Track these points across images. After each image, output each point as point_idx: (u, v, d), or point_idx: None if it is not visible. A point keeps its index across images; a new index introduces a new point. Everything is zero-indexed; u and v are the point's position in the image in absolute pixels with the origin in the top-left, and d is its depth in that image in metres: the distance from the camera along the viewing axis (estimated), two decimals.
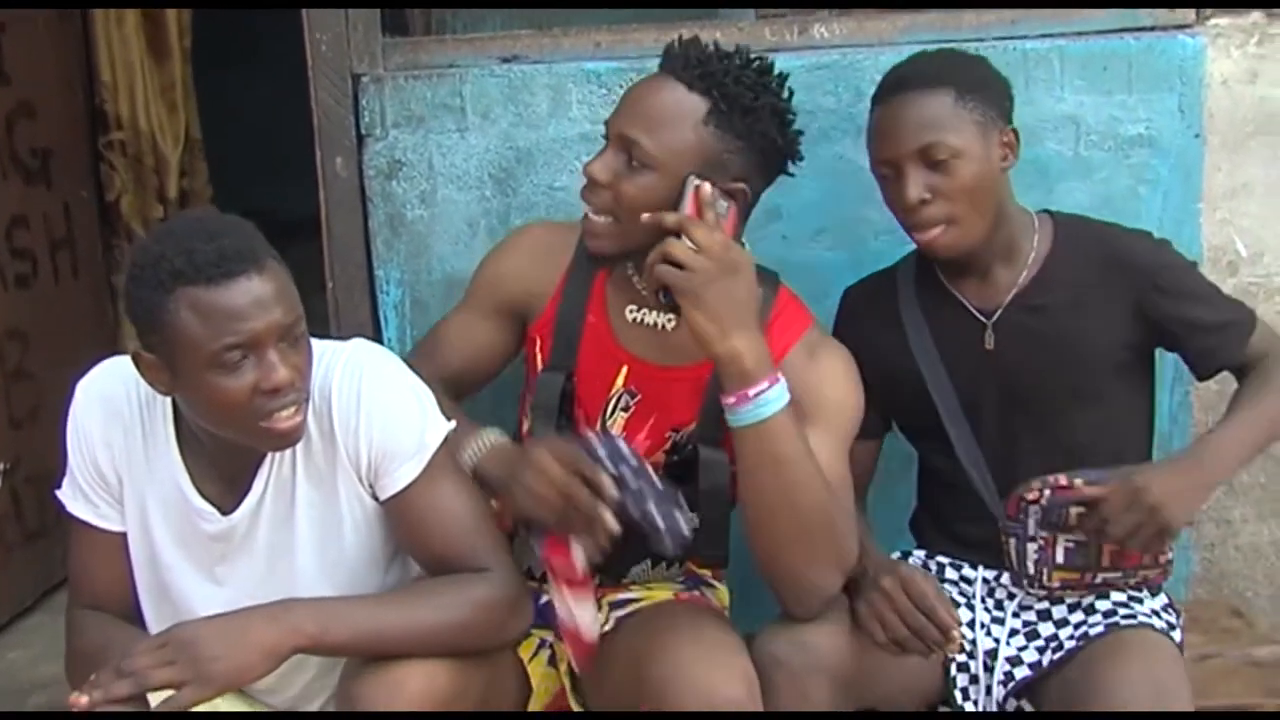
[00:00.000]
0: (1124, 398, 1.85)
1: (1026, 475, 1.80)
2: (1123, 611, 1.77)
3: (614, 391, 1.80)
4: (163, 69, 3.55)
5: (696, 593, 1.88)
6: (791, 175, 1.77)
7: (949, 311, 1.85)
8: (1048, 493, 1.74)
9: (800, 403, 1.66)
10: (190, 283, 1.43)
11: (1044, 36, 2.13)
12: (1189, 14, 2.15)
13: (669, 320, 1.76)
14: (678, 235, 1.59)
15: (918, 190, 1.73)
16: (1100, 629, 1.75)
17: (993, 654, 1.79)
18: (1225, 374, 1.83)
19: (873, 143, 1.80)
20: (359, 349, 1.64)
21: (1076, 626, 1.78)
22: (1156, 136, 2.13)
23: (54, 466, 1.69)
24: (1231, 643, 2.07)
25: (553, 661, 1.81)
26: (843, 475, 1.71)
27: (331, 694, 1.68)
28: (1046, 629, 1.80)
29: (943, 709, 1.82)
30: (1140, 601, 1.79)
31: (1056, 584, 1.78)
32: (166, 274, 1.43)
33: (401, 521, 1.63)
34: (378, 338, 2.19)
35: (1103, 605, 1.79)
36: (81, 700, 1.40)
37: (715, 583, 1.92)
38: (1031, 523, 1.76)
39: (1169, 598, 1.85)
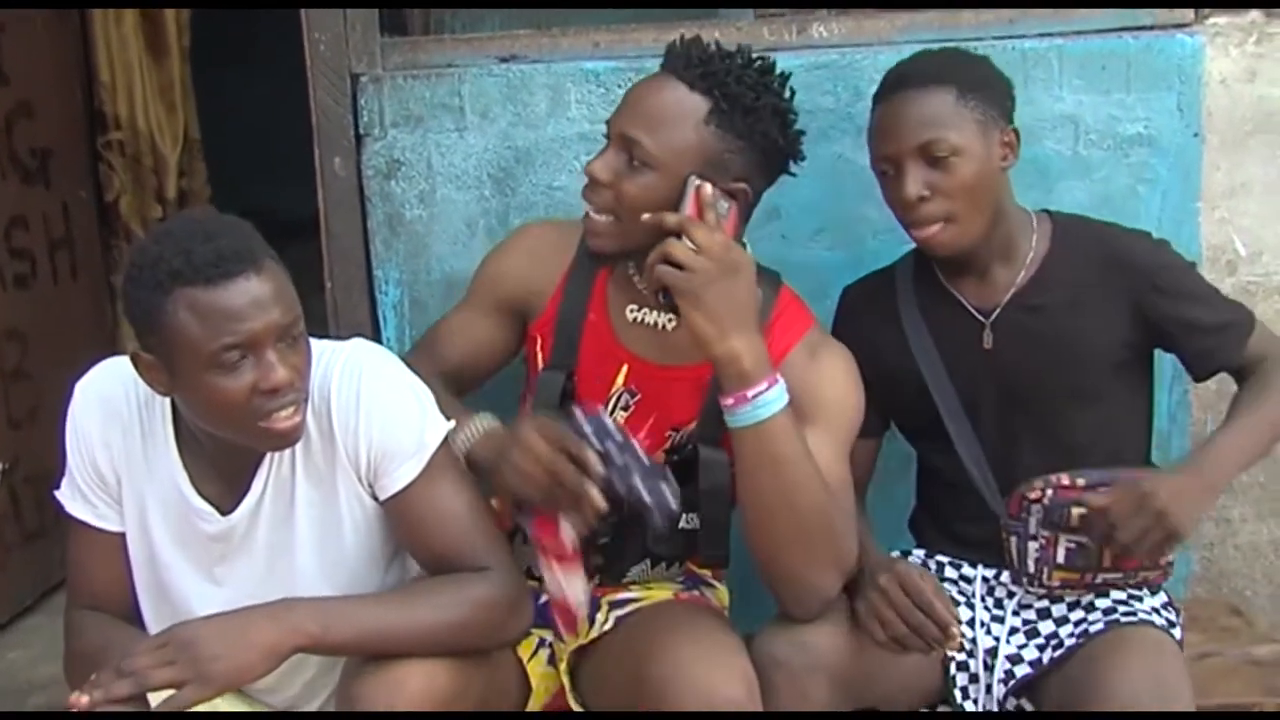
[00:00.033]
0: (1122, 397, 1.85)
1: (1025, 474, 1.80)
2: (1123, 609, 1.77)
3: (614, 390, 1.80)
4: (161, 69, 3.55)
5: (696, 593, 1.88)
6: (793, 175, 1.77)
7: (947, 310, 1.85)
8: (1050, 492, 1.75)
9: (801, 403, 1.66)
10: (188, 283, 1.43)
11: (1043, 36, 2.13)
12: (1188, 13, 2.15)
13: (669, 320, 1.76)
14: (678, 236, 1.59)
15: (917, 187, 1.73)
16: (1100, 626, 1.75)
17: (992, 652, 1.79)
18: (1224, 374, 1.83)
19: (874, 139, 1.80)
20: (358, 349, 1.64)
21: (1077, 624, 1.78)
22: (1155, 136, 2.13)
23: (53, 467, 1.69)
24: (1231, 641, 2.07)
25: (552, 661, 1.81)
26: (842, 476, 1.71)
27: (331, 693, 1.68)
28: (1046, 627, 1.80)
29: (943, 708, 1.82)
30: (1140, 599, 1.80)
31: (1056, 583, 1.78)
32: (165, 275, 1.43)
33: (401, 521, 1.63)
34: (376, 337, 2.19)
35: (1103, 603, 1.79)
36: (82, 700, 1.40)
37: (715, 583, 1.93)
38: (1033, 521, 1.76)
39: (1169, 596, 1.85)
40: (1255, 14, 2.16)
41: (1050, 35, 2.13)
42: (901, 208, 1.77)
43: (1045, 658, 1.76)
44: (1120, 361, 1.82)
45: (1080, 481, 1.75)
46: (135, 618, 1.68)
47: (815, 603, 1.67)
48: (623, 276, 1.80)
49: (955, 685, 1.79)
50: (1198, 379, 1.87)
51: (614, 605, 1.79)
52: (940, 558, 1.92)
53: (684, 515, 1.81)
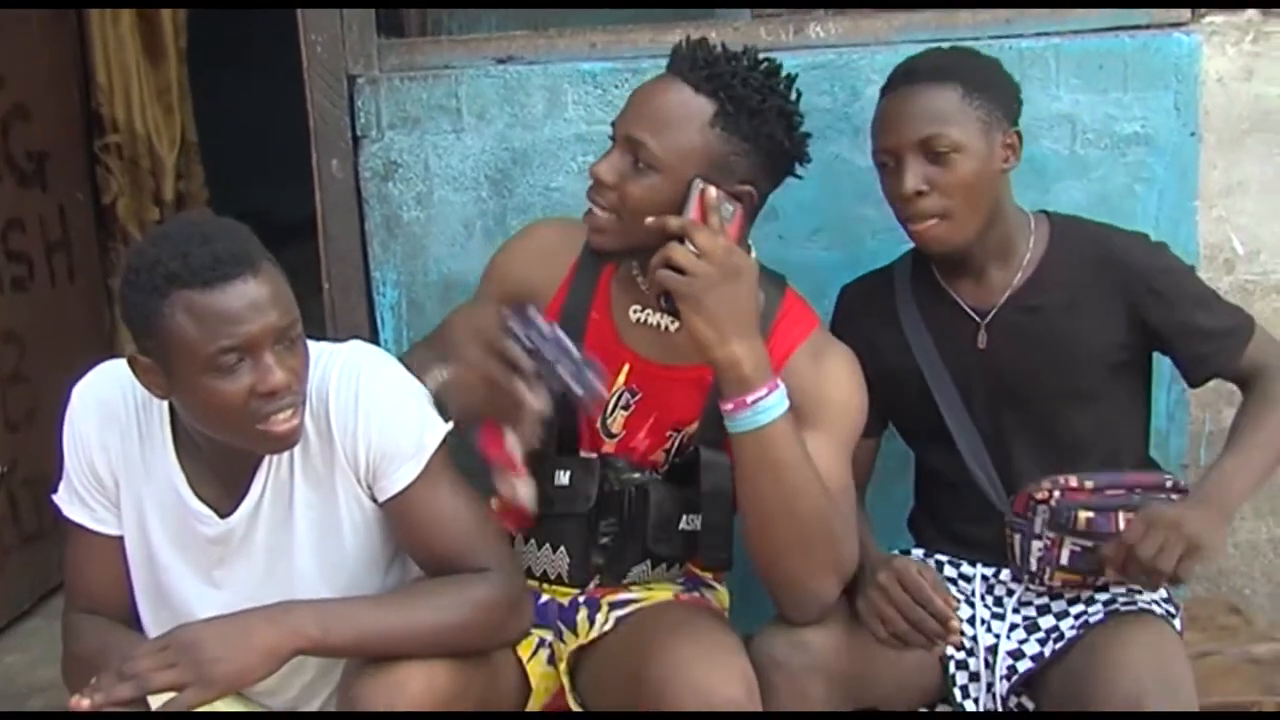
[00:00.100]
0: (1120, 397, 1.85)
1: (1020, 474, 1.81)
2: (1123, 599, 1.77)
3: (615, 389, 1.80)
4: (158, 71, 3.55)
5: (696, 594, 1.88)
6: (799, 178, 1.77)
7: (944, 310, 1.86)
8: (1057, 494, 1.75)
9: (804, 405, 1.66)
10: (185, 286, 1.43)
11: (1039, 35, 2.13)
12: (1184, 12, 2.14)
13: (672, 322, 1.76)
14: (681, 239, 1.59)
15: (915, 181, 1.73)
16: (1100, 616, 1.75)
17: (993, 650, 1.79)
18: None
19: (876, 130, 1.80)
20: (356, 350, 1.64)
21: (1077, 617, 1.78)
22: (1152, 135, 2.13)
23: (51, 470, 1.69)
24: (1230, 640, 2.07)
25: (552, 661, 1.81)
26: (843, 480, 1.71)
27: (330, 694, 1.69)
28: (1047, 621, 1.80)
29: (942, 708, 1.82)
30: (1140, 592, 1.79)
31: (1058, 583, 1.78)
32: (161, 278, 1.43)
33: (401, 523, 1.63)
34: (374, 339, 2.19)
35: (1103, 595, 1.79)
36: (83, 703, 1.41)
37: (715, 584, 1.93)
38: (1039, 522, 1.76)
39: (1168, 592, 1.84)
40: (1252, 13, 2.16)
41: (1047, 35, 2.13)
42: (898, 201, 1.77)
43: (1047, 651, 1.76)
44: (1117, 363, 1.82)
45: (1088, 484, 1.75)
46: (133, 621, 1.68)
47: (814, 608, 1.67)
48: (626, 277, 1.80)
49: (955, 684, 1.79)
50: (1193, 384, 1.87)
51: (614, 606, 1.79)
52: (940, 556, 1.92)
53: (685, 516, 1.82)
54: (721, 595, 1.93)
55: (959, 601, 1.81)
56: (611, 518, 1.81)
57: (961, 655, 1.80)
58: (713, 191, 1.62)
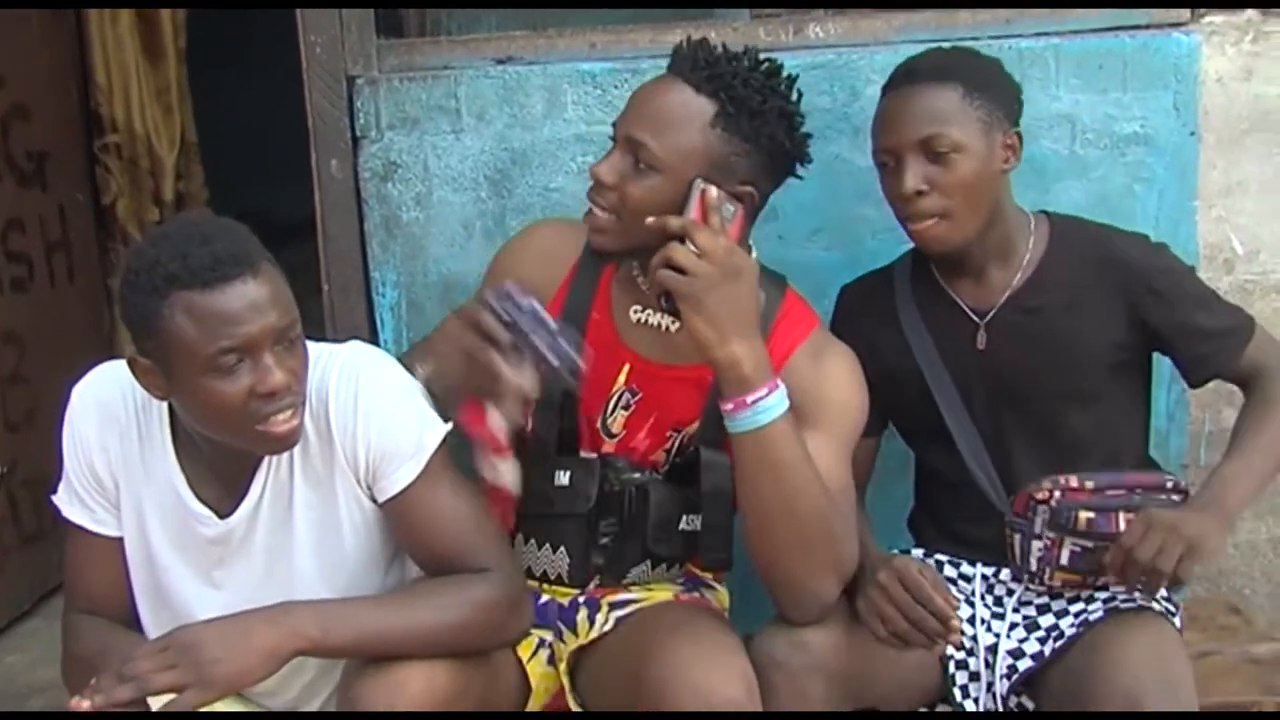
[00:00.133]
0: (1120, 398, 1.85)
1: (1021, 473, 1.81)
2: (1123, 597, 1.77)
3: (615, 389, 1.81)
4: (158, 71, 3.55)
5: (696, 594, 1.88)
6: (800, 178, 1.77)
7: (944, 310, 1.86)
8: (1058, 494, 1.75)
9: (804, 405, 1.66)
10: (185, 287, 1.43)
11: (1039, 35, 2.13)
12: (1184, 12, 2.14)
13: (673, 322, 1.76)
14: (681, 239, 1.59)
15: (915, 180, 1.73)
16: (1100, 614, 1.75)
17: (993, 649, 1.79)
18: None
19: (877, 129, 1.80)
20: (355, 351, 1.64)
21: (1077, 615, 1.78)
22: (1152, 135, 2.13)
23: (51, 470, 1.69)
24: (1230, 640, 2.07)
25: (552, 661, 1.81)
26: (844, 481, 1.71)
27: (330, 695, 1.69)
28: (1047, 620, 1.80)
29: (942, 707, 1.82)
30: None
31: (1058, 583, 1.78)
32: (161, 279, 1.43)
33: (401, 523, 1.62)
34: (374, 340, 2.19)
35: (1102, 594, 1.79)
36: (83, 705, 1.40)
37: (716, 584, 1.93)
38: (1039, 522, 1.76)
39: (1168, 591, 1.84)
40: (1251, 13, 2.16)
41: (1046, 35, 2.13)
42: (898, 201, 1.77)
43: (1047, 649, 1.76)
44: (1117, 363, 1.82)
45: (1089, 484, 1.75)
46: (133, 622, 1.68)
47: (814, 608, 1.67)
48: (627, 277, 1.81)
49: (955, 684, 1.79)
50: (1193, 385, 1.86)
51: (614, 606, 1.79)
52: (939, 556, 1.92)
53: (685, 517, 1.82)
54: (721, 595, 1.93)
55: (959, 601, 1.81)
56: (611, 518, 1.81)
57: (961, 655, 1.80)
58: (714, 192, 1.62)
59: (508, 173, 2.17)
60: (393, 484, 1.60)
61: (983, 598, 1.86)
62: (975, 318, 1.84)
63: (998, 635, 1.80)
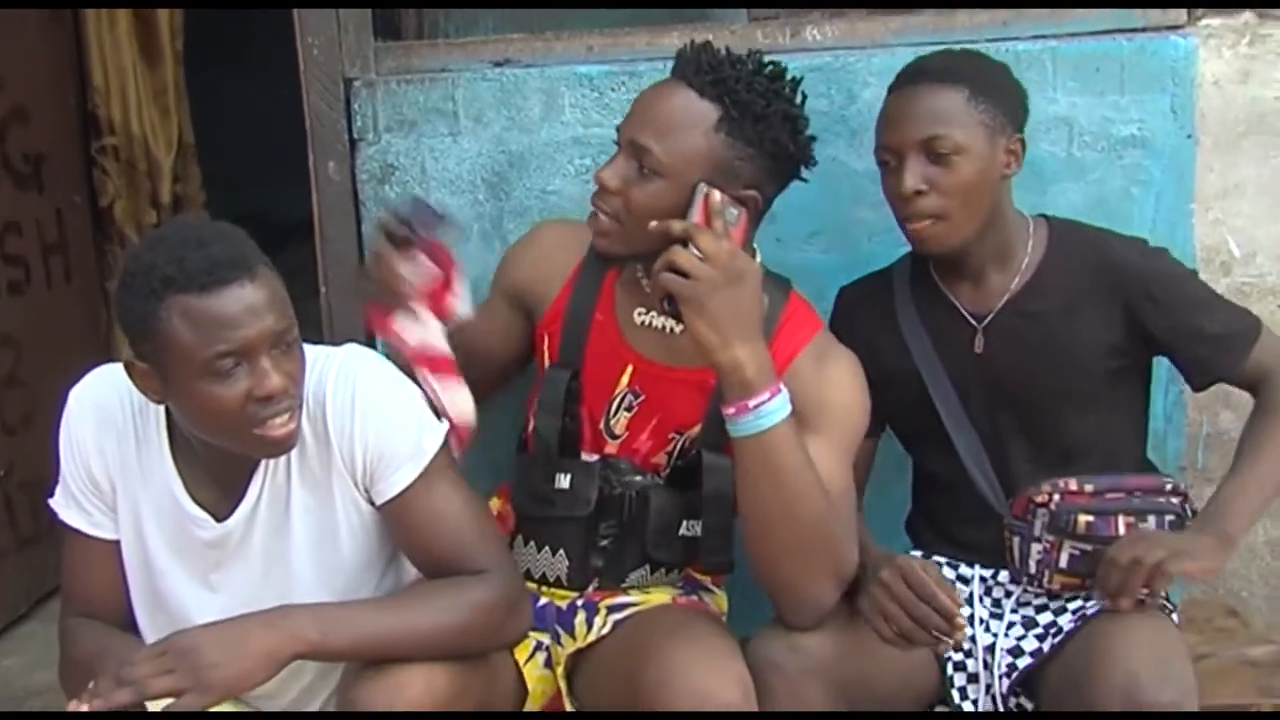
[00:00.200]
0: (1118, 401, 1.85)
1: (1019, 476, 1.81)
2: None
3: (618, 391, 1.81)
4: (155, 73, 3.55)
5: (695, 598, 1.88)
6: (805, 181, 1.77)
7: (942, 313, 1.86)
8: (1057, 497, 1.75)
9: (806, 408, 1.66)
10: (181, 291, 1.43)
11: (1036, 38, 2.13)
12: (1180, 15, 2.14)
13: (676, 325, 1.76)
14: (684, 243, 1.59)
15: (915, 180, 1.73)
16: (1097, 609, 1.74)
17: (991, 649, 1.79)
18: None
19: (880, 128, 1.80)
20: (352, 354, 1.64)
21: (1074, 611, 1.78)
22: (1149, 137, 2.12)
23: (47, 473, 1.69)
24: (1227, 642, 2.07)
25: (549, 664, 1.81)
26: (845, 484, 1.71)
27: (328, 697, 1.69)
28: (1045, 617, 1.80)
29: (940, 709, 1.82)
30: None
31: (1056, 586, 1.78)
32: (158, 282, 1.43)
33: (398, 525, 1.62)
34: (371, 343, 2.19)
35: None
36: (81, 708, 1.40)
37: (714, 588, 1.92)
38: (1038, 525, 1.76)
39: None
40: (1248, 15, 2.16)
41: (1044, 37, 2.13)
42: (898, 200, 1.77)
43: (1045, 646, 1.75)
44: (1115, 367, 1.82)
45: (1088, 487, 1.75)
46: (130, 625, 1.68)
47: (812, 612, 1.67)
48: (631, 279, 1.81)
49: (953, 685, 1.79)
50: (1197, 388, 1.86)
51: (612, 610, 1.79)
52: (938, 558, 1.91)
53: (685, 522, 1.82)
54: (720, 599, 1.93)
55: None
56: (611, 520, 1.81)
57: (959, 656, 1.79)
58: (717, 195, 1.62)
59: (505, 175, 2.16)
60: (390, 486, 1.60)
61: (981, 599, 1.86)
62: (973, 321, 1.84)
63: (996, 635, 1.80)
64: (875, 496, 1.96)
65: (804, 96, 1.73)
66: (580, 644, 1.76)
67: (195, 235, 1.47)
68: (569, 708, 1.77)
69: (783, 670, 1.64)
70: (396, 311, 1.70)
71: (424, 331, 1.70)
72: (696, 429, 1.79)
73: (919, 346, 1.85)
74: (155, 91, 3.55)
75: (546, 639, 1.82)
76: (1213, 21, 2.15)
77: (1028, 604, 1.83)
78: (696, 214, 1.62)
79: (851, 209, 2.09)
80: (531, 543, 1.86)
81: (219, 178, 3.86)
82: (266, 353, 1.46)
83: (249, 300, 1.44)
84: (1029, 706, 1.77)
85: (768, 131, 1.66)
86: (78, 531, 1.65)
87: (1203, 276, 1.92)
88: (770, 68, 1.71)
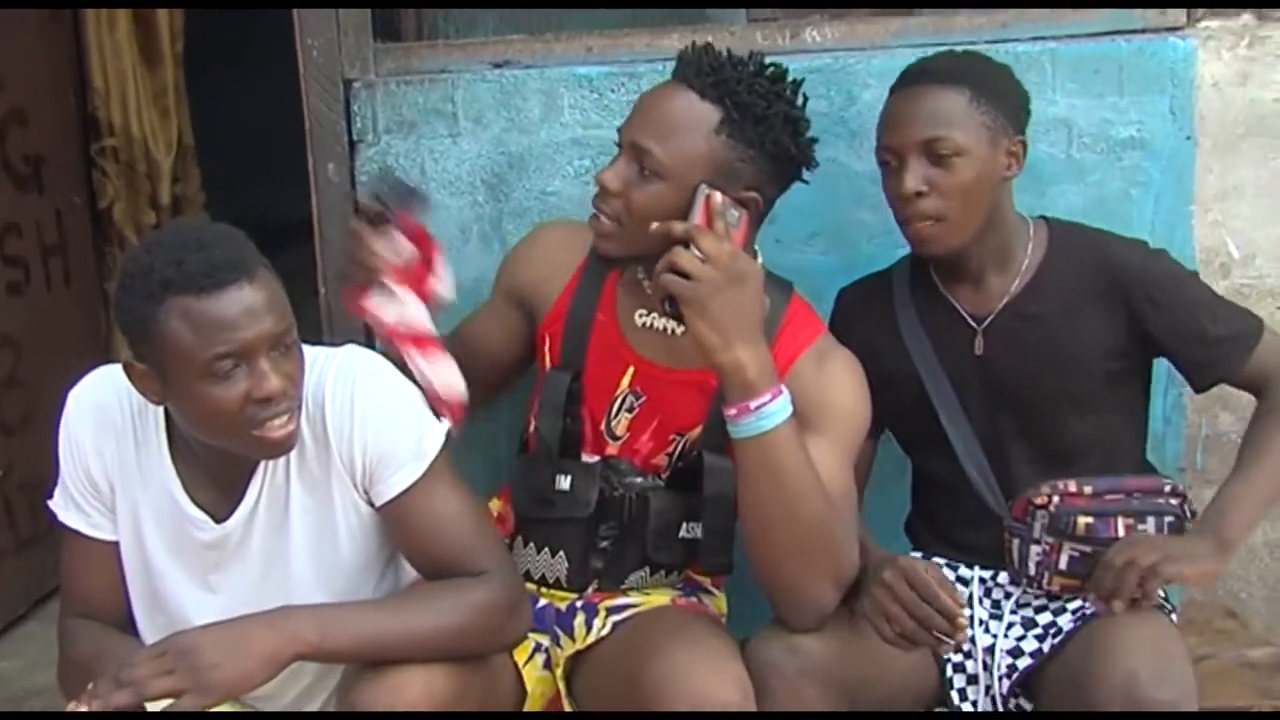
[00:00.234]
0: (1117, 403, 1.85)
1: (1018, 478, 1.81)
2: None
3: (619, 392, 1.81)
4: (155, 74, 3.55)
5: (694, 599, 1.88)
6: (806, 183, 1.77)
7: (942, 315, 1.86)
8: (1056, 499, 1.75)
9: (807, 410, 1.66)
10: (181, 292, 1.43)
11: (1035, 39, 2.13)
12: (1180, 16, 2.15)
13: (678, 326, 1.76)
14: (686, 244, 1.59)
15: (915, 181, 1.73)
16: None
17: (991, 650, 1.79)
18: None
19: (882, 129, 1.80)
20: (351, 355, 1.64)
21: (1074, 612, 1.78)
22: (1148, 139, 2.13)
23: (46, 474, 1.69)
24: (1226, 644, 2.07)
25: (548, 666, 1.81)
26: (845, 486, 1.71)
27: (327, 698, 1.69)
28: (1044, 618, 1.80)
29: (939, 710, 1.82)
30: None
31: (1056, 587, 1.78)
32: (157, 284, 1.43)
33: (398, 527, 1.62)
34: (370, 344, 2.18)
35: None
36: (80, 709, 1.40)
37: (713, 590, 1.92)
38: (1038, 527, 1.76)
39: (1164, 593, 1.84)
40: (1247, 17, 2.16)
41: (1043, 39, 2.13)
42: (898, 201, 1.77)
43: (1045, 647, 1.76)
44: (1115, 369, 1.82)
45: (1087, 489, 1.75)
46: (129, 626, 1.68)
47: (812, 614, 1.67)
48: (632, 281, 1.81)
49: (952, 687, 1.79)
50: (1198, 390, 1.86)
51: (611, 611, 1.79)
52: (937, 560, 1.91)
53: (685, 524, 1.82)
54: (719, 601, 1.92)
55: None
56: (612, 521, 1.81)
57: (959, 658, 1.79)
58: (718, 196, 1.62)
59: (505, 176, 2.16)
60: (390, 488, 1.60)
61: (980, 600, 1.86)
62: (973, 323, 1.84)
63: (995, 636, 1.80)
64: (875, 498, 1.96)
65: (805, 98, 1.73)
66: (579, 645, 1.76)
67: (194, 237, 1.47)
68: (568, 709, 1.77)
69: (782, 671, 1.64)
70: (372, 289, 1.70)
71: (401, 309, 1.71)
72: (697, 430, 1.80)
73: (918, 348, 1.85)
74: (155, 93, 3.55)
75: (546, 640, 1.82)
76: (1212, 23, 2.16)
77: (1027, 605, 1.83)
78: (698, 215, 1.62)
79: (851, 210, 2.10)
80: (531, 544, 1.86)
81: (218, 179, 3.86)
82: (265, 354, 1.46)
83: (248, 302, 1.45)
84: (1028, 707, 1.77)
85: (769, 133, 1.67)
86: (77, 533, 1.65)
87: (1202, 278, 1.92)
88: (771, 69, 1.71)
